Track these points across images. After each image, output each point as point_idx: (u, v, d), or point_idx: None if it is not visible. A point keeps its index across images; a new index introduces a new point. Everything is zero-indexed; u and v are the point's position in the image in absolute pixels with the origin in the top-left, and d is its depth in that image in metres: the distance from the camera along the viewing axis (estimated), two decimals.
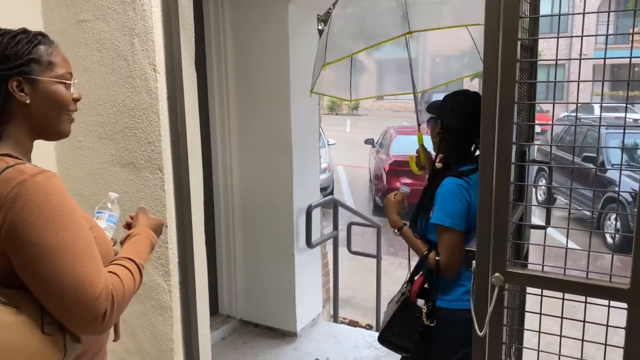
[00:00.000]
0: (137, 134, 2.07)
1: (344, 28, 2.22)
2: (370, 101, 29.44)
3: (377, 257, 4.75)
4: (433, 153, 2.12)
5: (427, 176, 2.11)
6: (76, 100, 1.22)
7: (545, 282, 1.37)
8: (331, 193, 9.64)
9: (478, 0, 1.44)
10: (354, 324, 4.87)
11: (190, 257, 2.14)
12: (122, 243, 1.31)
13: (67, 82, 1.19)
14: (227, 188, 3.65)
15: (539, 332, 1.47)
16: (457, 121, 1.91)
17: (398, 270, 6.51)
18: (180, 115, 2.03)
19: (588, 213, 7.78)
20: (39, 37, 1.16)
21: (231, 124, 3.53)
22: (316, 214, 3.73)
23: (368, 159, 11.29)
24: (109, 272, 1.10)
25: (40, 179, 1.04)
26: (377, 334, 4.02)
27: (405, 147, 9.19)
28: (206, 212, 2.31)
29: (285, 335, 3.69)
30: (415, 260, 2.08)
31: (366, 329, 4.77)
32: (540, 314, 1.45)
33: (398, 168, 8.59)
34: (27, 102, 1.13)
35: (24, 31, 1.15)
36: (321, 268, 4.05)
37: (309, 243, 3.60)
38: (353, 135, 18.13)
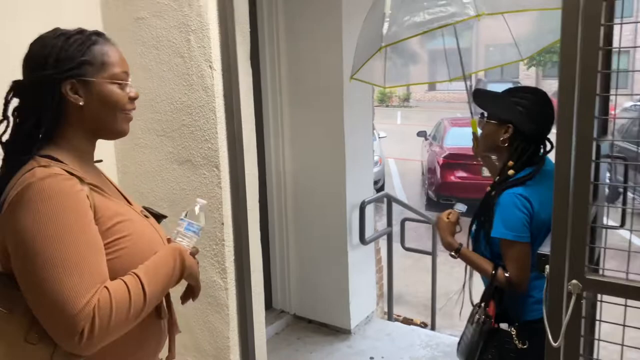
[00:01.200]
0: (194, 132, 2.07)
1: (401, 10, 2.09)
2: (421, 92, 28.98)
3: (432, 254, 4.63)
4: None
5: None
6: (133, 99, 1.21)
7: (634, 292, 1.25)
8: (382, 187, 9.53)
9: None
10: (408, 321, 4.78)
11: (246, 255, 2.12)
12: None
13: (122, 82, 1.17)
14: (280, 183, 3.63)
15: (622, 345, 1.35)
16: (535, 126, 1.75)
17: (454, 266, 6.34)
18: (236, 112, 2.01)
19: None
20: (93, 37, 1.15)
21: (284, 119, 3.51)
22: (369, 209, 3.66)
23: (420, 151, 11.07)
24: (104, 286, 1.02)
25: (47, 183, 1.02)
26: (433, 333, 3.95)
27: (460, 139, 8.92)
28: (260, 207, 2.28)
29: (339, 332, 3.65)
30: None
31: (421, 326, 4.67)
32: (624, 325, 1.33)
33: (453, 161, 8.35)
34: (81, 104, 1.12)
35: (80, 32, 1.14)
36: (374, 265, 3.98)
37: (362, 240, 3.54)
38: (404, 128, 17.88)
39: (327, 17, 3.21)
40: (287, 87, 3.47)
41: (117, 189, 1.26)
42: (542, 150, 1.81)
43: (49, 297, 0.97)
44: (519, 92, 1.80)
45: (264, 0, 3.36)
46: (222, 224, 2.05)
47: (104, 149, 2.28)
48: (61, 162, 1.11)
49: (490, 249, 1.81)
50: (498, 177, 1.83)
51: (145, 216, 1.27)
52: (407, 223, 4.73)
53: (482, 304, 1.82)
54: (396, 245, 4.62)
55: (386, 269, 4.32)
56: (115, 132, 1.21)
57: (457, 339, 1.94)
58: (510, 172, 1.77)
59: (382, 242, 4.35)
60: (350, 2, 3.20)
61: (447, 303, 5.41)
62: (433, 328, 4.65)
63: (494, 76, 24.98)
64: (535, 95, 1.79)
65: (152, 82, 2.15)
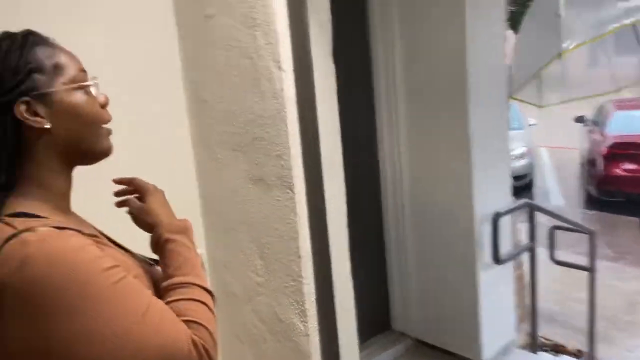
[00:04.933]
0: (266, 146, 1.73)
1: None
2: (581, 69, 25.90)
3: (591, 269, 3.82)
4: None
5: None
6: (103, 105, 0.91)
7: None
8: (530, 182, 8.52)
9: None
10: (558, 348, 4.03)
11: (329, 294, 1.74)
12: (154, 250, 0.96)
13: (86, 83, 0.88)
14: (397, 193, 3.18)
15: None
16: None
17: (617, 281, 5.31)
18: (312, 122, 1.63)
19: None
20: (31, 37, 0.84)
21: (399, 120, 3.04)
22: (506, 221, 3.05)
23: (579, 139, 9.69)
24: (186, 320, 0.82)
25: (49, 247, 0.73)
26: None
27: (628, 125, 7.60)
28: (374, 218, 1.88)
29: None
30: None
31: (575, 356, 3.90)
32: None
33: (618, 151, 7.09)
34: (47, 126, 0.83)
35: (8, 35, 0.84)
36: (513, 286, 3.34)
37: (496, 258, 2.95)
38: (559, 110, 16.00)
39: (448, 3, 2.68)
40: (403, 80, 3.00)
41: (102, 233, 0.97)
42: None
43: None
44: None
45: None
46: (300, 257, 1.69)
47: (184, 168, 2.05)
48: (39, 216, 0.81)
49: None
50: None
51: (149, 264, 0.99)
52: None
53: None
54: (544, 254, 3.91)
55: (531, 290, 3.64)
56: (97, 153, 0.91)
57: None
58: None
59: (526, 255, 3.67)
60: None
61: (608, 326, 4.51)
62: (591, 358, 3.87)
63: None
64: None
65: (224, 89, 1.85)
